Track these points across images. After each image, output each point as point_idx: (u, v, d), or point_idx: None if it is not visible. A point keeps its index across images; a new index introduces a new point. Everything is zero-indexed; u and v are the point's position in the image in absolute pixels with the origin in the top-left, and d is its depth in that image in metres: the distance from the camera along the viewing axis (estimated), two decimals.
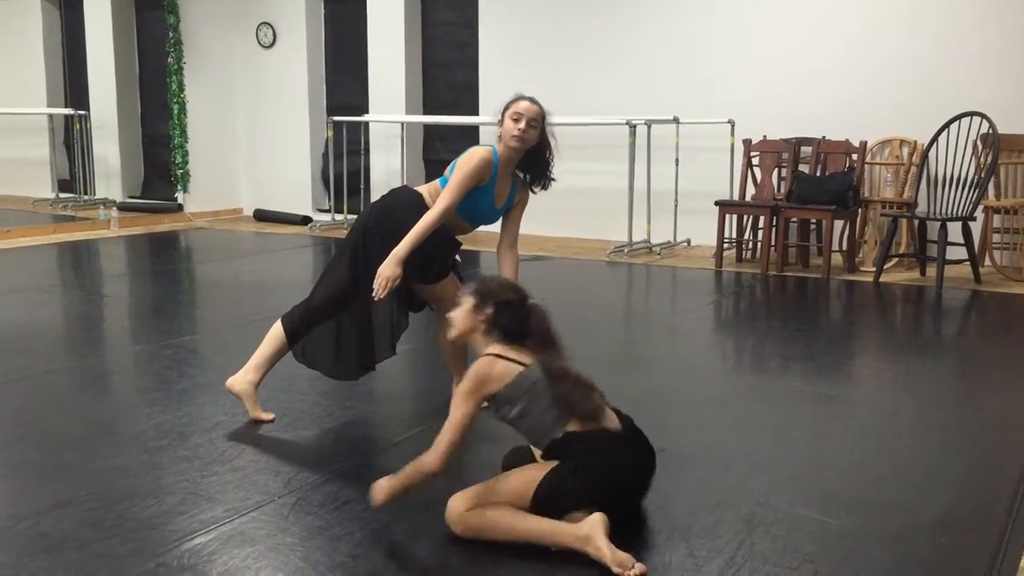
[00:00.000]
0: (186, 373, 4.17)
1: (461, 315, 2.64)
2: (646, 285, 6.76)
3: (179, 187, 10.30)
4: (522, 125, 3.28)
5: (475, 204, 3.35)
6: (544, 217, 8.54)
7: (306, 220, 9.40)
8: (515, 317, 2.59)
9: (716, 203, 7.09)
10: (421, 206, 3.32)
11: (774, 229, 6.80)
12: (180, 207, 10.21)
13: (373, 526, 2.56)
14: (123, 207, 10.14)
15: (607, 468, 2.48)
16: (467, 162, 3.28)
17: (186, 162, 10.23)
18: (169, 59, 10.02)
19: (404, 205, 3.37)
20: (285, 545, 2.45)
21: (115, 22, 10.58)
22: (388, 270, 3.20)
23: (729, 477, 2.92)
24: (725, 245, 7.13)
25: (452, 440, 2.44)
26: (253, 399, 3.45)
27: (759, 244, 7.16)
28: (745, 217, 7.28)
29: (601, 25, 8.16)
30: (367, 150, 9.28)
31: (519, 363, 2.52)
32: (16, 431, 3.35)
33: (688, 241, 7.85)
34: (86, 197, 10.60)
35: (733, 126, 7.50)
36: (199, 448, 3.15)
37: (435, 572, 2.38)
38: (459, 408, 2.47)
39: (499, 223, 3.52)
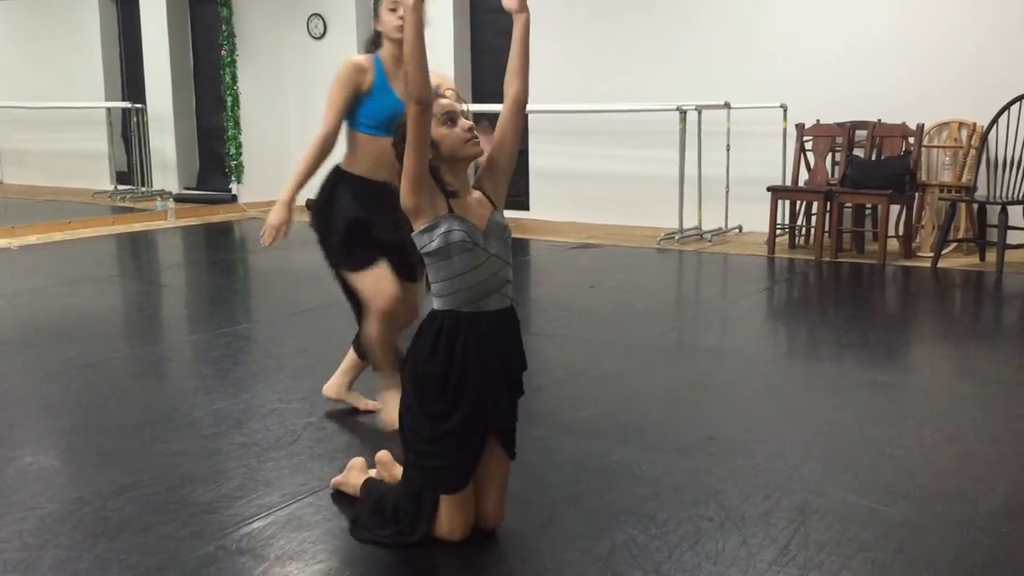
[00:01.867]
0: (242, 361, 4.25)
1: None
2: (697, 272, 6.71)
3: (233, 178, 10.44)
4: (401, 12, 2.90)
5: (377, 111, 3.08)
6: (593, 204, 8.54)
7: None
8: None
9: (768, 189, 7.00)
10: (337, 169, 3.18)
11: (828, 215, 6.70)
12: (234, 198, 10.36)
13: None
14: (179, 198, 10.31)
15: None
16: (333, 78, 3.12)
17: (240, 153, 10.37)
18: (222, 52, 10.16)
19: (324, 178, 3.21)
20: (340, 530, 2.49)
21: (170, 16, 10.75)
22: (273, 216, 3.08)
23: (782, 465, 2.90)
24: (778, 231, 7.04)
25: None
26: (351, 396, 3.44)
27: (812, 230, 7.06)
28: (798, 203, 7.18)
29: (650, 10, 8.09)
30: None
31: None
32: (80, 417, 3.45)
33: (740, 228, 7.77)
34: (143, 189, 10.80)
35: (785, 110, 7.40)
36: (255, 434, 3.21)
37: (483, 555, 2.40)
38: None
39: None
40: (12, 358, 4.31)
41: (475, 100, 9.30)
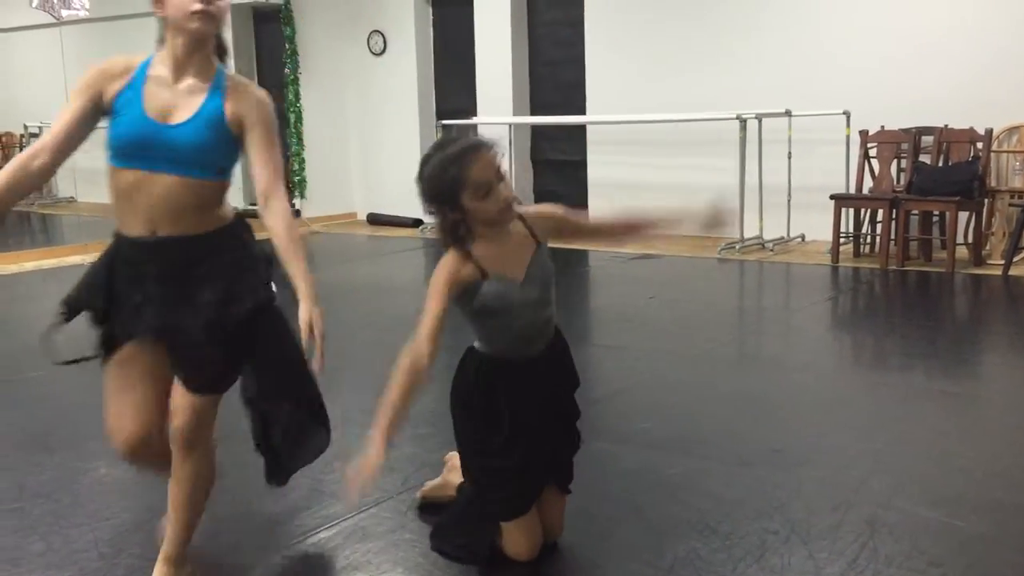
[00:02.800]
0: None
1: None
2: (759, 282, 6.63)
3: (296, 193, 10.63)
4: None
5: (118, 130, 2.15)
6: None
7: (417, 223, 9.57)
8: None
9: (832, 197, 6.90)
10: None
11: (894, 222, 6.57)
12: (298, 213, 10.53)
13: None
14: (245, 214, 10.51)
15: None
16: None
17: (303, 169, 10.55)
18: (286, 70, 10.36)
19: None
20: (404, 541, 2.51)
21: (236, 37, 10.99)
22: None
23: (849, 478, 2.85)
24: (842, 240, 6.93)
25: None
26: None
27: (878, 238, 6.93)
28: (863, 211, 7.06)
29: (708, 18, 8.04)
30: None
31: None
32: None
33: (802, 236, 7.66)
34: None
35: (848, 117, 7.29)
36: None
37: (544, 566, 2.40)
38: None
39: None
40: (85, 371, 4.42)
41: (533, 112, 9.35)
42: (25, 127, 12.67)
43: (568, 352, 2.43)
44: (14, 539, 2.57)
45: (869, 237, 7.12)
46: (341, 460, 3.10)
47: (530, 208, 2.33)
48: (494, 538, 2.35)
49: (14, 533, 2.61)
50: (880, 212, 6.79)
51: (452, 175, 2.12)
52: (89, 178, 12.30)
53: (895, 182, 6.96)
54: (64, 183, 12.67)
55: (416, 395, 2.16)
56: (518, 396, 2.28)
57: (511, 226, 2.26)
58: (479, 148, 2.16)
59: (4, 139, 13.03)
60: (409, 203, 10.65)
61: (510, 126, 9.08)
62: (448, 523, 2.44)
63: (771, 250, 7.30)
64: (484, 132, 9.30)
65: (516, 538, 2.33)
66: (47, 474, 3.04)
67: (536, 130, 9.46)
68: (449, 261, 2.21)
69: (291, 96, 10.41)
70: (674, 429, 3.36)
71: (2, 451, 3.30)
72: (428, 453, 3.19)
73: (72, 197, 12.45)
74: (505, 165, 2.22)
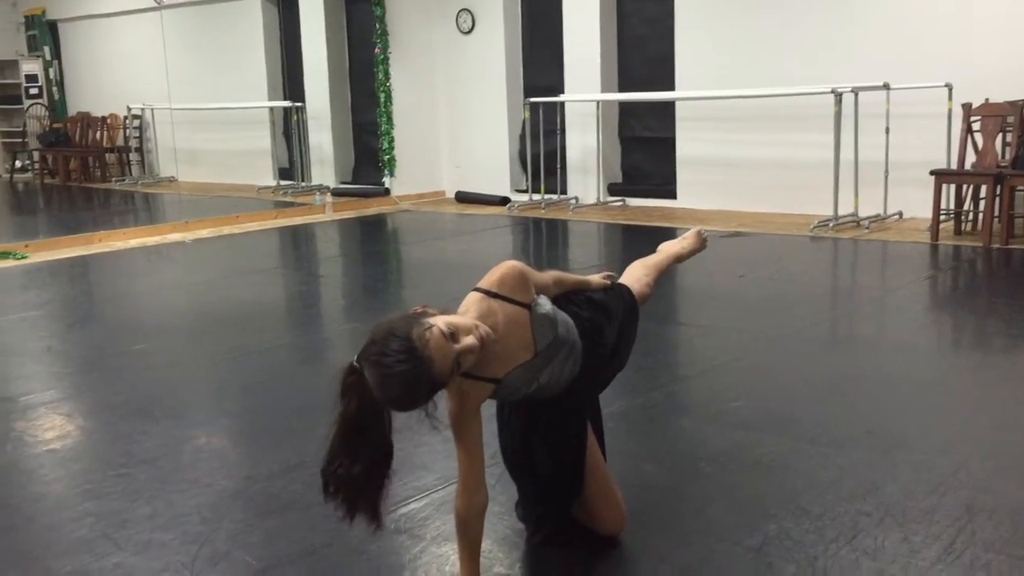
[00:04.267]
0: None
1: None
2: (853, 260, 6.47)
3: (386, 172, 10.77)
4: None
5: None
6: (743, 192, 8.35)
7: (505, 201, 9.61)
8: None
9: (932, 172, 6.67)
10: None
11: (998, 199, 6.32)
12: (387, 191, 10.68)
13: None
14: (336, 192, 10.72)
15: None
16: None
17: (392, 148, 10.68)
18: (376, 49, 10.48)
19: None
20: (493, 514, 2.54)
21: (327, 17, 11.16)
22: None
23: (947, 461, 2.78)
24: (942, 217, 6.70)
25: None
26: None
27: (981, 215, 6.68)
28: (964, 187, 6.81)
29: None
30: (563, 130, 9.36)
31: None
32: (249, 400, 3.66)
33: (900, 213, 7.43)
34: (303, 183, 11.29)
35: (951, 90, 7.02)
36: (410, 419, 3.31)
37: (634, 543, 2.41)
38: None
39: None
40: (187, 344, 4.60)
41: (621, 88, 9.27)
42: (128, 109, 13.13)
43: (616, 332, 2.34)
44: (122, 503, 2.70)
45: (971, 214, 6.87)
46: (431, 434, 3.16)
47: (490, 287, 2.11)
48: (571, 507, 2.35)
49: (122, 497, 2.74)
50: (983, 188, 6.54)
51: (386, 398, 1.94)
52: (188, 158, 12.71)
53: (999, 157, 6.68)
54: (165, 163, 13.11)
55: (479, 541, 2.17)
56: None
57: (508, 340, 2.05)
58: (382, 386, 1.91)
59: (109, 120, 13.52)
60: (497, 181, 10.76)
61: (598, 103, 9.02)
62: (529, 492, 2.45)
63: (866, 228, 7.10)
64: (572, 109, 9.28)
65: (599, 506, 2.35)
66: (152, 442, 3.17)
67: (624, 107, 9.38)
68: (452, 396, 2.07)
69: (381, 76, 10.53)
70: (765, 409, 3.32)
71: (112, 419, 3.46)
72: None
73: (173, 177, 12.86)
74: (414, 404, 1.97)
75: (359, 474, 1.92)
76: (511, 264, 2.14)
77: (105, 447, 3.19)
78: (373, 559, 2.32)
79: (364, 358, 1.92)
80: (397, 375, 1.87)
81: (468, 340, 1.93)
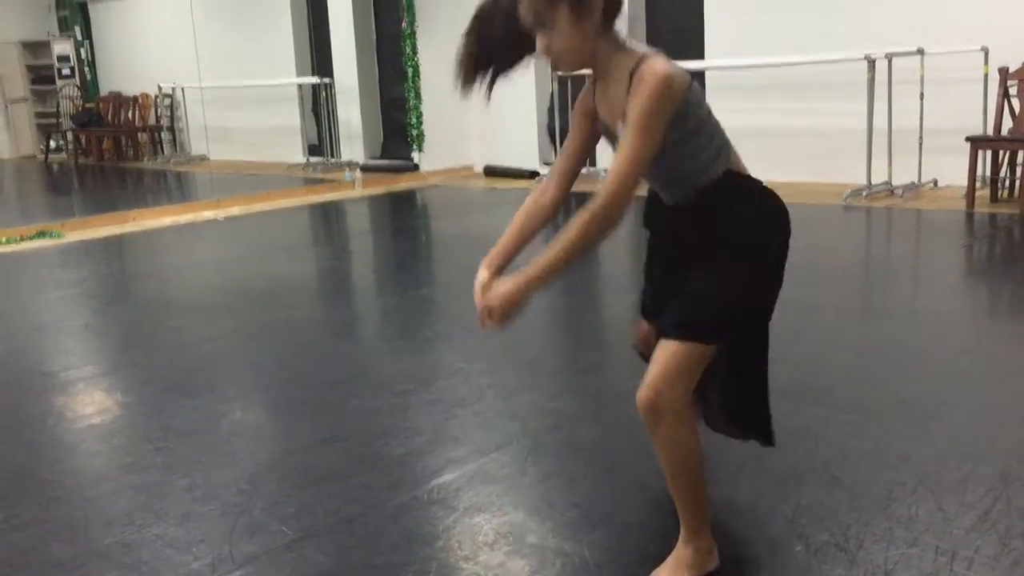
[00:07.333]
0: (427, 323, 4.42)
1: (557, 30, 1.84)
2: (887, 229, 6.40)
3: (415, 147, 10.78)
4: None
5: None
6: (775, 160, 8.24)
7: (533, 174, 9.59)
8: None
9: (967, 139, 6.56)
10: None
11: None
12: (416, 166, 10.70)
13: (607, 469, 2.63)
14: (365, 168, 10.75)
15: (784, 220, 2.02)
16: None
17: (421, 123, 10.68)
18: (403, 24, 10.46)
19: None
20: (525, 485, 2.57)
21: None
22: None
23: (981, 430, 2.76)
24: (978, 184, 6.60)
25: (630, 173, 1.79)
26: None
27: (1018, 182, 6.57)
28: (1001, 153, 6.70)
29: None
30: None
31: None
32: (283, 374, 3.70)
33: (935, 182, 7.33)
34: (333, 160, 11.33)
35: (987, 54, 6.89)
36: (443, 392, 3.35)
37: (668, 510, 2.42)
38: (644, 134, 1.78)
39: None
40: (220, 320, 4.66)
41: (649, 41, 9.15)
42: (159, 88, 13.23)
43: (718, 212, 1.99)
44: (161, 475, 2.75)
45: (1008, 181, 6.75)
46: (462, 407, 3.19)
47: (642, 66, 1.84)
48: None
49: (161, 470, 2.79)
50: (1020, 155, 6.43)
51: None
52: (219, 136, 12.79)
53: None
54: (196, 142, 13.20)
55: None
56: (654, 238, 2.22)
57: (615, 67, 1.89)
58: None
59: (141, 99, 13.63)
60: (526, 155, 10.73)
61: None
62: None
63: (901, 196, 7.01)
64: None
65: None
66: (189, 416, 3.23)
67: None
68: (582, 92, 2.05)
69: (408, 50, 10.51)
70: (797, 378, 3.30)
71: (150, 394, 3.52)
72: (545, 401, 3.23)
73: (204, 155, 12.95)
74: (544, 8, 1.85)
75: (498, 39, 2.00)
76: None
77: (144, 421, 3.25)
78: (407, 529, 2.35)
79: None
80: None
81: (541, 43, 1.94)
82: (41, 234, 7.28)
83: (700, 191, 1.97)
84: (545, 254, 1.84)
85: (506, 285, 1.90)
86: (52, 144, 14.74)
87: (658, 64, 1.82)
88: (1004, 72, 6.66)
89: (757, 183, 2.05)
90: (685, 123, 1.87)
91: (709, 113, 1.94)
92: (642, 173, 1.85)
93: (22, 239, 7.14)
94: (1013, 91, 6.67)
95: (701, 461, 2.02)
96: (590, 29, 1.86)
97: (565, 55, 1.89)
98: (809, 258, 5.38)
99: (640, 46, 1.92)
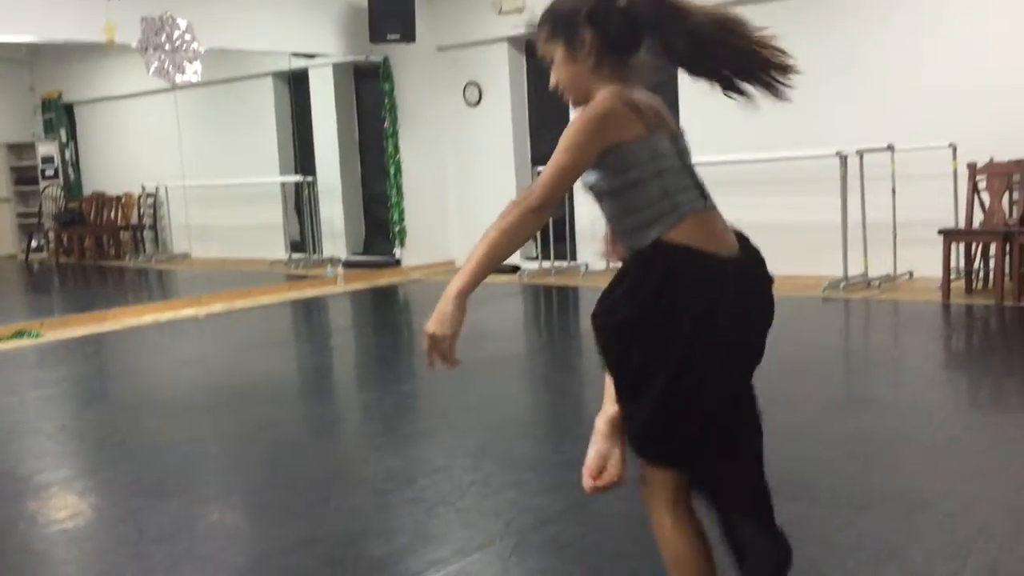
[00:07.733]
0: (409, 419, 4.38)
1: (558, 67, 1.92)
2: (865, 321, 6.45)
3: (397, 243, 10.86)
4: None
5: None
6: None
7: (515, 269, 9.65)
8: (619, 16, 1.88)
9: (940, 232, 6.69)
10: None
11: (1008, 257, 6.32)
12: (398, 262, 10.75)
13: (594, 568, 2.59)
14: (347, 264, 10.79)
15: (707, 290, 1.87)
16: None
17: (403, 219, 10.78)
18: (385, 123, 10.66)
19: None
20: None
21: (337, 93, 11.39)
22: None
23: (969, 522, 2.73)
24: (952, 276, 6.70)
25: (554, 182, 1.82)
26: None
27: (991, 273, 6.68)
28: (974, 245, 6.82)
29: (804, 51, 7.91)
30: (571, 197, 9.44)
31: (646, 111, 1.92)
32: (262, 474, 3.64)
33: (910, 273, 7.43)
34: (315, 256, 11.38)
35: (955, 150, 7.08)
36: (424, 490, 3.30)
37: None
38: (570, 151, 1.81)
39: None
40: (199, 419, 4.60)
41: None
42: (143, 187, 13.34)
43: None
44: None
45: (982, 272, 6.86)
46: (445, 505, 3.14)
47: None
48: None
49: None
50: (992, 246, 6.55)
51: None
52: (201, 234, 12.86)
53: (1007, 215, 6.71)
54: (179, 240, 13.25)
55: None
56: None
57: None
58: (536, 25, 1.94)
59: (124, 199, 13.73)
60: None
61: None
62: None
63: (877, 288, 7.10)
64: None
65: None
66: (166, 519, 3.16)
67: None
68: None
69: (390, 149, 10.68)
70: (779, 473, 3.26)
71: (125, 497, 3.44)
72: (529, 498, 3.19)
73: (187, 253, 12.98)
74: (548, 47, 1.93)
75: None
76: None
77: (118, 525, 3.17)
78: None
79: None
80: None
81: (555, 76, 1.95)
82: (19, 334, 7.21)
83: (633, 254, 1.92)
84: (468, 261, 1.93)
85: (438, 307, 1.94)
86: (33, 243, 14.75)
87: (605, 96, 1.85)
88: (972, 167, 6.83)
89: (689, 255, 1.91)
90: (625, 174, 1.85)
91: (662, 174, 1.90)
92: (562, 191, 1.85)
93: (0, 339, 7.08)
94: (982, 185, 6.83)
95: (698, 571, 1.97)
96: (585, 66, 1.92)
97: (567, 90, 1.95)
98: (790, 351, 5.40)
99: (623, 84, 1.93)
